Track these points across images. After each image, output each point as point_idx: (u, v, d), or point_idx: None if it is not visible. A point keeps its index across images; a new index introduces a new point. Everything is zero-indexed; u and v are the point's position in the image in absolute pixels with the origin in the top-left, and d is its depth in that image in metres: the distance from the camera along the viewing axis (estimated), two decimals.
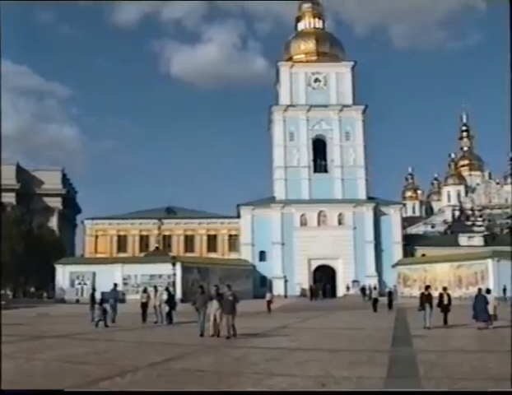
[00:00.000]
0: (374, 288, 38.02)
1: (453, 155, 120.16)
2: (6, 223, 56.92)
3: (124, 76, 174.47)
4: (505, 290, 45.29)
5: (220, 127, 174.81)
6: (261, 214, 65.85)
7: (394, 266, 62.93)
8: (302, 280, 62.53)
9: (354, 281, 61.60)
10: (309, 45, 72.58)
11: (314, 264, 64.28)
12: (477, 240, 70.22)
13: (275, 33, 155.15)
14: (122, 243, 68.51)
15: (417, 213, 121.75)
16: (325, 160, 67.87)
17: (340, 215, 65.40)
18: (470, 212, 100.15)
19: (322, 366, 11.49)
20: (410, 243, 68.15)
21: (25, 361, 12.36)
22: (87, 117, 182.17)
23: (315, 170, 67.34)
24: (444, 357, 12.90)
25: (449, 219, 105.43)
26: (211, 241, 68.73)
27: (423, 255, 65.56)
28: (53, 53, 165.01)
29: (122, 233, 68.91)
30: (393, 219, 67.01)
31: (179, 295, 44.50)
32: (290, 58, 72.10)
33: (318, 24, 75.76)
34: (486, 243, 66.80)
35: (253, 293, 56.51)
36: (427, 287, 21.59)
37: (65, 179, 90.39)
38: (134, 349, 15.39)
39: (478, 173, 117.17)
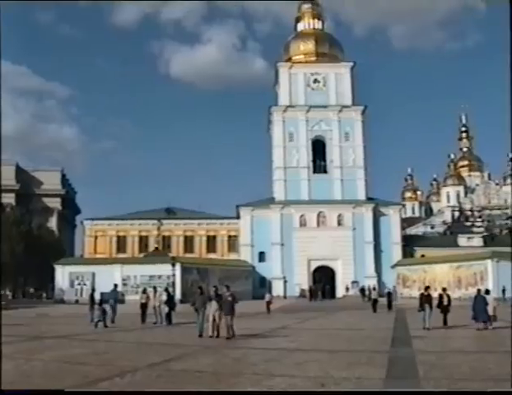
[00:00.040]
0: (374, 289, 38.05)
1: (452, 156, 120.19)
2: (6, 223, 56.90)
3: (124, 77, 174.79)
4: (504, 290, 45.26)
5: (219, 127, 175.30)
6: (260, 215, 65.85)
7: (394, 266, 62.89)
8: (301, 280, 62.52)
9: (353, 282, 61.63)
10: (309, 46, 72.59)
11: (314, 265, 64.23)
12: (477, 241, 70.19)
13: (274, 34, 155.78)
14: (121, 243, 68.50)
15: (417, 214, 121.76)
16: (324, 160, 67.88)
17: (339, 215, 65.37)
18: (469, 213, 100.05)
19: (321, 367, 11.48)
20: (409, 244, 68.19)
21: (25, 362, 12.36)
22: (87, 117, 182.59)
23: (315, 171, 67.34)
24: (443, 358, 12.90)
25: (449, 220, 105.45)
26: (211, 242, 68.73)
27: (422, 256, 65.55)
28: (52, 53, 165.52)
29: (121, 233, 68.92)
30: (392, 220, 67.01)
31: (178, 295, 44.47)
32: (289, 59, 72.07)
33: (318, 24, 75.79)
34: (486, 244, 66.87)
35: (253, 294, 56.65)
36: (427, 288, 21.57)
37: (64, 180, 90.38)
38: (133, 349, 15.40)
39: (478, 173, 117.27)
